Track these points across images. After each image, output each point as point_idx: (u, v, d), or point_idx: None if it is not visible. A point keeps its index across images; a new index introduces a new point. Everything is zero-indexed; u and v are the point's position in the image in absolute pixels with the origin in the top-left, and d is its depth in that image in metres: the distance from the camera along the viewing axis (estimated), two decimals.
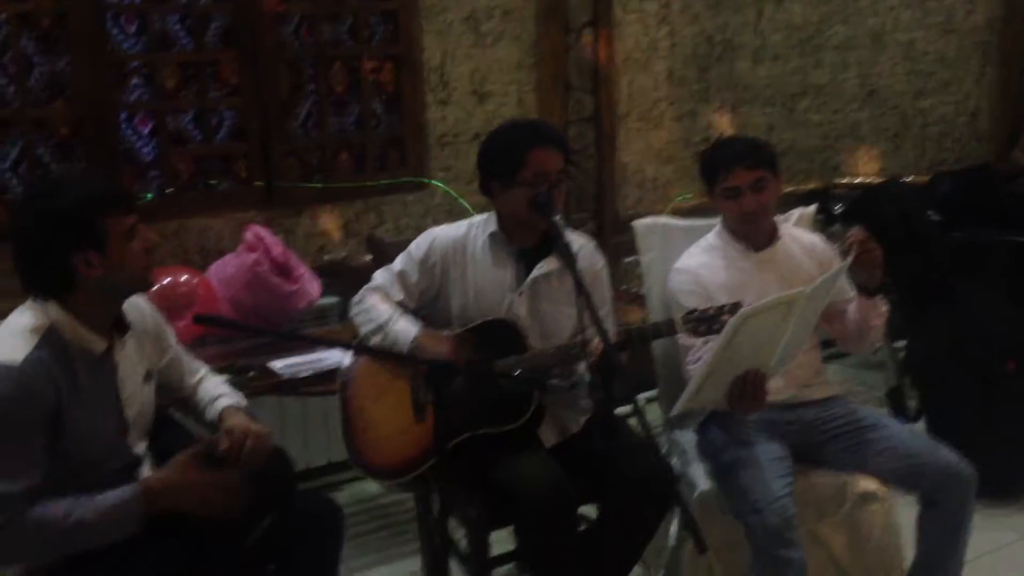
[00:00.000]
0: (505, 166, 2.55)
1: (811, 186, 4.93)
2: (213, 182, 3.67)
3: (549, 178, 2.53)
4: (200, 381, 2.34)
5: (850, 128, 5.07)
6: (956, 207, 4.28)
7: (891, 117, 5.06)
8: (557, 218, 2.51)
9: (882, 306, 2.67)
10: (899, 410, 3.95)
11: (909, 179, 4.66)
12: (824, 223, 4.57)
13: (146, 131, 3.57)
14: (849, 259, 2.49)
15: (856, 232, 2.58)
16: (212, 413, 2.26)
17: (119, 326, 2.09)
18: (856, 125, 5.07)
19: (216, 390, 2.32)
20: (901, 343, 4.10)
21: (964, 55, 4.94)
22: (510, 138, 2.60)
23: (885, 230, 3.90)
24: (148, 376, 2.18)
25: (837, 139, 5.07)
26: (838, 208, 4.50)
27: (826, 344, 2.90)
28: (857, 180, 4.92)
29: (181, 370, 2.32)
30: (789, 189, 4.79)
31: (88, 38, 3.35)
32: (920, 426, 3.75)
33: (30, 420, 1.89)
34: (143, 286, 2.09)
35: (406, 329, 2.54)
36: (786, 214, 3.01)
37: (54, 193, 1.98)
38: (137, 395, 2.12)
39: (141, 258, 2.03)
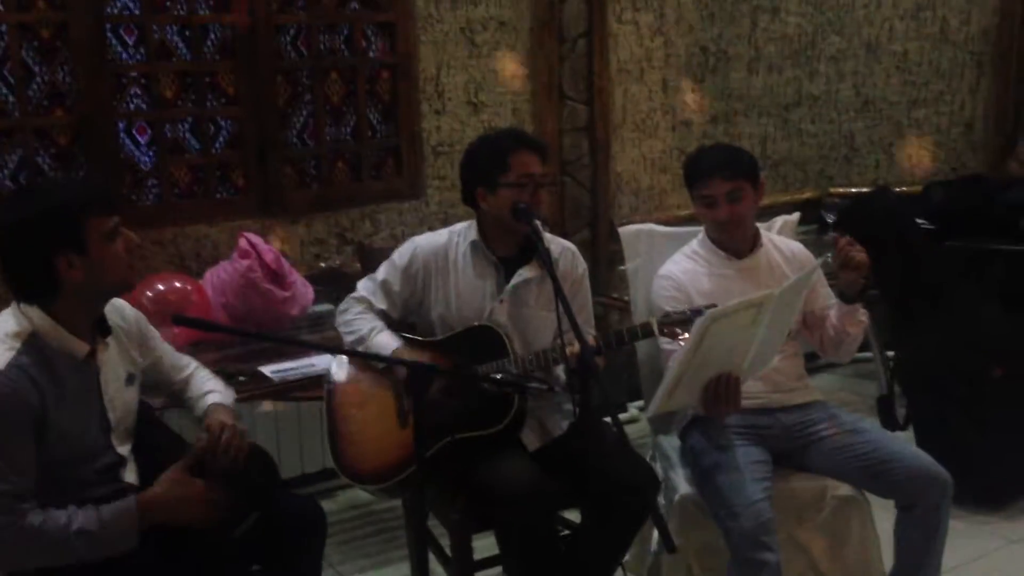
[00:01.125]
0: (488, 171, 2.61)
1: (806, 195, 4.98)
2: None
3: (533, 180, 2.60)
4: (189, 377, 2.39)
5: (845, 138, 5.10)
6: (949, 216, 4.30)
7: (886, 127, 5.09)
8: (538, 223, 2.55)
9: (860, 314, 2.70)
10: (888, 418, 3.98)
11: (902, 189, 4.68)
12: (818, 232, 4.61)
13: (144, 140, 3.63)
14: (819, 261, 2.52)
15: (841, 239, 2.63)
16: (199, 410, 2.31)
17: (101, 329, 2.13)
18: (851, 135, 5.10)
19: (204, 386, 2.37)
20: (892, 352, 4.13)
21: (958, 66, 4.97)
22: (492, 144, 2.66)
23: (875, 238, 3.95)
24: (131, 378, 2.21)
25: (832, 149, 5.10)
26: (831, 217, 4.54)
27: (816, 355, 2.94)
28: (852, 189, 4.95)
29: (168, 367, 2.36)
30: (784, 199, 4.86)
31: (88, 48, 3.42)
32: (909, 434, 3.77)
33: (16, 424, 1.92)
34: (125, 287, 2.11)
35: (385, 344, 2.60)
36: (769, 222, 3.05)
37: (35, 197, 2.02)
38: (120, 397, 2.16)
39: (123, 259, 2.05)
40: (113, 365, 2.16)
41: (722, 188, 2.68)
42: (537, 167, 2.62)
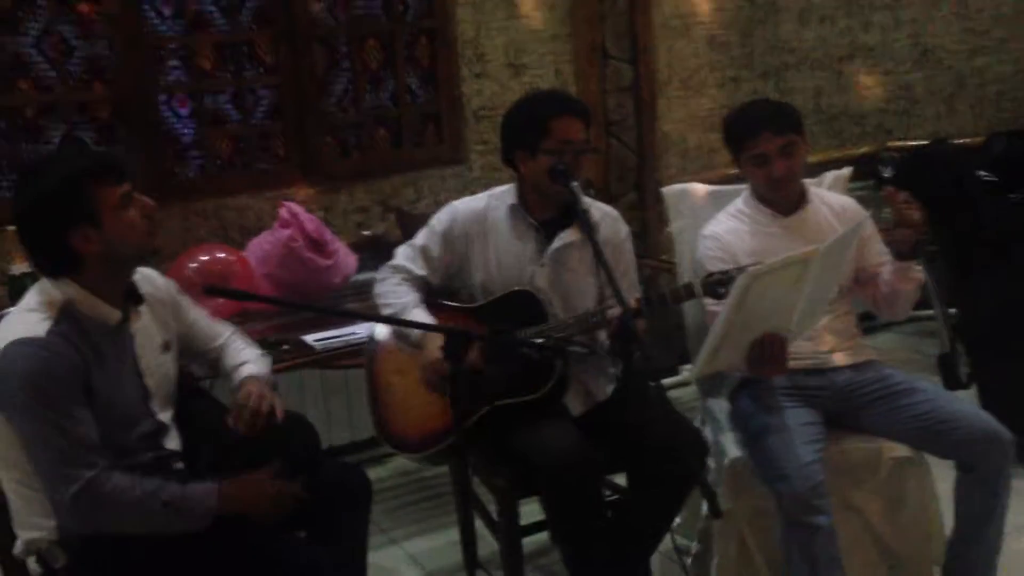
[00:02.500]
0: (529, 136, 2.55)
1: (862, 150, 4.82)
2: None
3: (573, 146, 2.53)
4: (223, 345, 2.38)
5: (902, 90, 4.93)
6: (1012, 168, 4.13)
7: (945, 77, 4.91)
8: (576, 186, 2.49)
9: (914, 271, 2.60)
10: (951, 377, 3.86)
11: (962, 141, 4.51)
12: (874, 188, 4.47)
13: (185, 112, 3.63)
14: (867, 215, 2.42)
15: (897, 195, 2.53)
16: (234, 382, 2.31)
17: (132, 297, 2.12)
18: (909, 86, 4.92)
19: (239, 356, 2.35)
20: (953, 309, 4.00)
21: (1021, 11, 4.76)
22: (533, 108, 2.60)
23: (934, 192, 3.82)
24: (167, 346, 2.21)
25: (889, 102, 4.93)
26: (888, 172, 4.39)
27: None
28: (910, 143, 4.79)
29: (203, 335, 2.36)
30: (839, 154, 4.72)
31: (125, 22, 3.42)
32: (972, 393, 3.65)
33: (70, 385, 1.93)
34: (146, 252, 2.09)
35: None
36: (818, 177, 2.95)
37: (40, 174, 2.00)
38: (156, 364, 2.16)
39: (139, 225, 2.03)
40: (148, 332, 2.16)
41: (774, 143, 2.58)
42: (578, 133, 2.55)
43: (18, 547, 2.09)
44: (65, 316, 1.98)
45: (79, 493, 1.91)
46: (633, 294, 2.62)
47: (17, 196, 2.02)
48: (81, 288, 2.02)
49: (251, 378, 2.28)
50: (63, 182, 1.96)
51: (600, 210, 2.70)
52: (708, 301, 2.50)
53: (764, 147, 2.59)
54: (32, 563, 2.15)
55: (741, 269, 2.34)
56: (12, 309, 2.10)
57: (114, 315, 2.06)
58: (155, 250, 2.12)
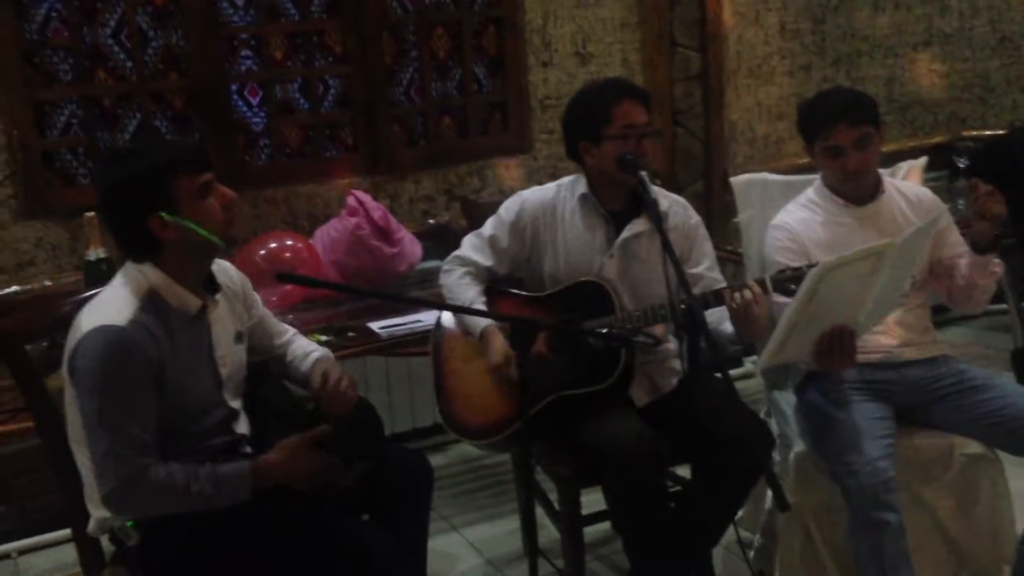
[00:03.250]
0: (591, 124, 2.54)
1: (936, 140, 4.72)
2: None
3: (636, 131, 2.52)
4: (288, 343, 2.42)
5: (979, 78, 4.80)
6: None
7: None
8: (644, 175, 2.48)
9: (993, 265, 2.54)
10: None
11: None
12: (949, 178, 4.37)
13: (256, 101, 3.69)
14: (946, 208, 2.37)
15: (981, 186, 2.47)
16: (305, 366, 2.35)
17: (211, 286, 2.16)
18: (986, 74, 4.79)
19: (307, 347, 2.41)
20: None
21: None
22: (592, 97, 2.60)
23: (1012, 183, 3.71)
24: (239, 336, 2.25)
25: (964, 90, 4.81)
26: (963, 162, 4.29)
27: (947, 308, 2.78)
28: (986, 132, 4.66)
29: (270, 332, 2.40)
30: (912, 143, 4.62)
31: (200, 12, 3.48)
32: None
33: (138, 378, 1.98)
34: (225, 242, 2.12)
35: (479, 319, 2.56)
36: (893, 167, 2.89)
37: (122, 160, 2.04)
38: (230, 354, 2.20)
39: (218, 215, 2.07)
40: (223, 323, 2.20)
41: (849, 135, 2.53)
42: (640, 117, 2.54)
43: (91, 526, 2.15)
44: (149, 302, 2.03)
45: (130, 478, 1.96)
46: (715, 276, 2.61)
47: (101, 179, 2.07)
48: (163, 273, 2.06)
49: (324, 359, 2.32)
50: (146, 169, 2.00)
51: (668, 198, 2.68)
52: (778, 296, 2.46)
53: (838, 139, 2.54)
54: (105, 541, 2.21)
55: (813, 267, 2.30)
56: (89, 295, 2.16)
57: (194, 303, 2.10)
58: (234, 239, 2.16)
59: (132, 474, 1.97)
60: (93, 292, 2.19)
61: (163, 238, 2.03)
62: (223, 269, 2.26)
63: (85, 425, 1.99)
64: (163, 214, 2.00)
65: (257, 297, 2.37)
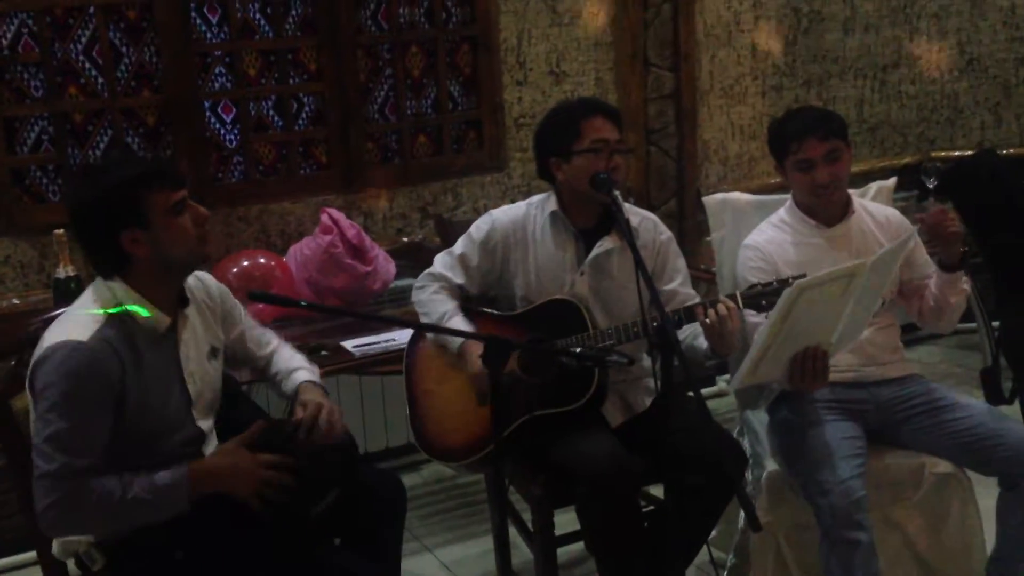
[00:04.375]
0: (561, 140, 2.56)
1: (905, 160, 4.77)
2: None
3: (607, 146, 2.53)
4: (273, 352, 2.40)
5: (948, 99, 4.87)
6: None
7: (992, 87, 4.83)
8: (617, 194, 2.49)
9: (962, 283, 2.57)
10: (993, 392, 3.79)
11: (1008, 151, 4.44)
12: (918, 198, 4.42)
13: (229, 118, 3.67)
14: (915, 229, 2.41)
15: (934, 211, 2.52)
16: (288, 386, 2.32)
17: (181, 301, 2.14)
18: (954, 96, 4.86)
19: (291, 363, 2.38)
20: (997, 322, 3.94)
21: None
22: (563, 113, 2.63)
23: (979, 203, 3.77)
24: (214, 352, 2.23)
25: (933, 111, 4.87)
26: (932, 182, 4.33)
27: (917, 326, 2.81)
28: (955, 153, 4.72)
29: (253, 342, 2.38)
30: (882, 164, 4.67)
31: (173, 29, 3.46)
32: (1015, 408, 3.59)
33: (96, 397, 1.95)
34: (196, 259, 2.11)
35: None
36: (863, 188, 2.92)
37: (97, 175, 2.03)
38: (201, 371, 2.18)
39: (190, 232, 2.05)
40: (195, 339, 2.17)
41: (819, 149, 2.57)
42: (610, 132, 2.56)
43: (56, 548, 2.11)
44: (115, 319, 2.01)
45: (49, 506, 1.90)
46: (687, 291, 2.62)
47: (73, 195, 2.06)
48: (132, 290, 2.04)
49: (311, 384, 2.30)
50: (118, 184, 1.99)
51: (639, 215, 2.69)
52: (749, 312, 2.48)
53: (809, 152, 2.58)
54: (72, 565, 2.17)
55: (784, 282, 2.33)
56: (57, 313, 2.13)
57: (164, 321, 2.08)
58: (206, 257, 2.15)
59: (66, 492, 1.91)
60: (62, 311, 2.16)
61: (135, 254, 2.01)
62: (203, 283, 2.24)
63: (34, 433, 1.95)
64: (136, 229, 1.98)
65: (240, 307, 2.35)
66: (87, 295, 2.08)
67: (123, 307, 2.03)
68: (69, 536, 2.05)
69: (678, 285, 2.66)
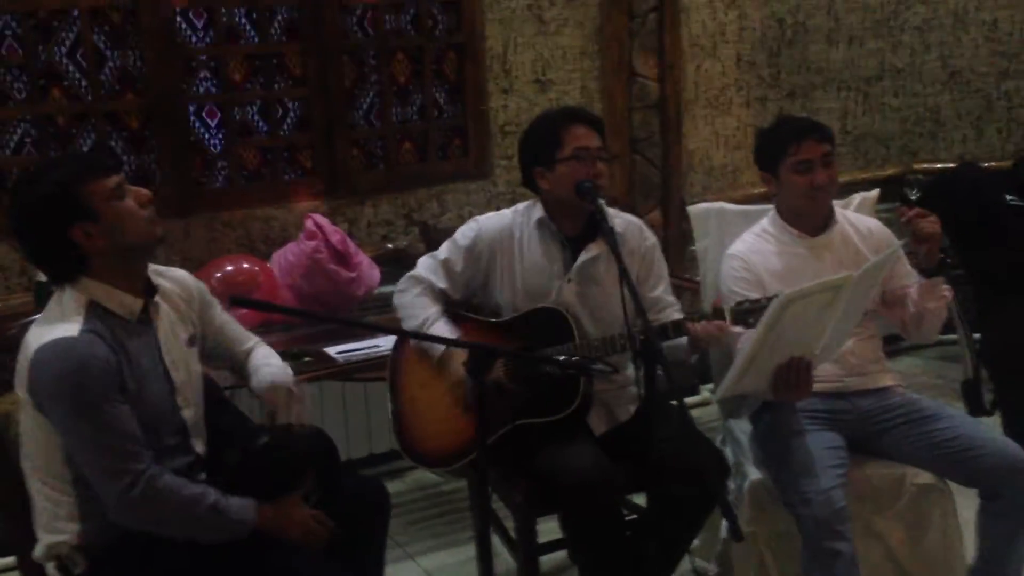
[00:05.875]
0: (544, 150, 2.57)
1: (888, 172, 4.80)
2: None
3: (589, 153, 2.54)
4: (250, 350, 2.39)
5: (930, 112, 4.90)
6: None
7: (974, 100, 4.88)
8: (602, 202, 2.49)
9: (942, 289, 2.59)
10: (974, 403, 3.81)
11: (990, 164, 4.48)
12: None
13: (214, 123, 3.66)
14: (902, 242, 2.42)
15: (909, 210, 2.54)
16: (258, 381, 2.31)
17: (148, 289, 2.13)
18: (937, 108, 4.90)
19: (265, 360, 2.36)
20: (978, 334, 3.96)
21: None
22: (545, 122, 2.64)
23: (960, 215, 3.79)
24: (192, 340, 2.22)
25: (916, 123, 4.91)
26: (914, 194, 4.36)
27: (899, 337, 2.82)
28: (937, 165, 4.76)
29: (231, 338, 2.37)
30: (865, 175, 4.69)
31: (158, 33, 3.45)
32: (996, 420, 3.61)
33: (103, 383, 1.94)
34: (152, 239, 2.09)
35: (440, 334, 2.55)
36: (846, 199, 2.94)
37: (30, 181, 2.03)
38: (182, 358, 2.17)
39: (138, 214, 2.05)
40: (171, 326, 2.17)
41: (818, 150, 2.61)
42: (592, 141, 2.57)
43: (38, 551, 2.10)
44: (93, 314, 2.00)
45: (131, 488, 1.94)
46: (669, 299, 2.63)
47: (11, 209, 2.03)
48: (99, 283, 2.03)
49: (275, 387, 2.29)
50: (55, 183, 1.98)
51: (624, 219, 2.70)
52: (736, 328, 2.48)
53: (809, 153, 2.61)
54: (51, 569, 2.15)
55: (772, 300, 2.33)
56: (36, 317, 2.11)
57: (136, 304, 2.07)
58: (161, 237, 2.14)
59: (146, 469, 1.95)
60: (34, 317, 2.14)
61: (89, 247, 2.00)
62: (177, 277, 2.24)
63: (69, 444, 1.96)
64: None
65: (217, 303, 2.35)
66: (57, 299, 2.05)
67: (95, 301, 2.02)
68: (146, 526, 2.03)
69: (662, 292, 2.67)
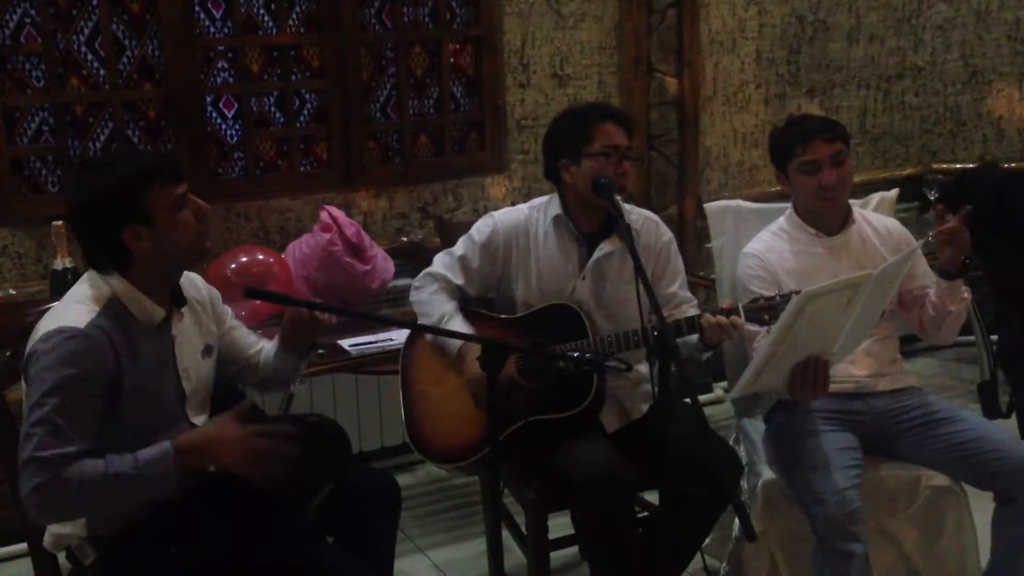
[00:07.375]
0: (572, 142, 2.56)
1: (907, 171, 4.77)
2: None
3: (617, 151, 2.54)
4: (259, 351, 2.39)
5: (950, 111, 4.86)
6: None
7: (995, 100, 4.83)
8: (618, 199, 2.48)
9: (962, 291, 2.56)
10: (991, 405, 3.79)
11: (1011, 165, 4.44)
12: (920, 210, 4.41)
13: (231, 114, 3.66)
14: (920, 242, 2.40)
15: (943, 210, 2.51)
16: (271, 356, 2.33)
17: (177, 299, 2.13)
18: (957, 108, 4.86)
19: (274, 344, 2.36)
20: (995, 336, 3.93)
21: None
22: (576, 115, 2.63)
23: (979, 216, 3.75)
24: (208, 350, 2.22)
25: (936, 123, 4.87)
26: (934, 194, 4.33)
27: (916, 338, 2.80)
28: (957, 165, 4.72)
29: (241, 344, 2.37)
30: (883, 175, 4.66)
31: (176, 23, 3.45)
32: (1012, 422, 3.59)
33: (89, 384, 1.93)
34: (197, 254, 2.10)
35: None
36: (865, 198, 2.91)
37: (98, 171, 2.02)
38: (196, 367, 2.17)
39: (192, 227, 2.04)
40: (189, 335, 2.16)
41: (826, 150, 2.57)
42: (621, 139, 2.56)
43: (47, 539, 2.10)
44: (109, 310, 2.00)
45: (33, 490, 1.85)
46: (684, 294, 2.62)
47: (74, 191, 2.04)
48: (129, 284, 2.03)
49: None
50: (120, 181, 1.97)
51: (640, 215, 2.69)
52: (750, 326, 2.46)
53: (816, 153, 2.58)
54: (62, 559, 2.16)
55: (786, 297, 2.31)
56: (52, 305, 2.12)
57: (158, 313, 2.07)
58: (206, 252, 2.14)
59: (50, 476, 1.85)
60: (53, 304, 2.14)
61: (136, 249, 2.00)
62: (192, 281, 2.23)
63: (24, 422, 1.91)
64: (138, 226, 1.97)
65: (228, 310, 2.35)
66: (81, 286, 2.06)
67: (117, 298, 2.01)
68: (55, 522, 2.01)
69: (677, 287, 2.66)
